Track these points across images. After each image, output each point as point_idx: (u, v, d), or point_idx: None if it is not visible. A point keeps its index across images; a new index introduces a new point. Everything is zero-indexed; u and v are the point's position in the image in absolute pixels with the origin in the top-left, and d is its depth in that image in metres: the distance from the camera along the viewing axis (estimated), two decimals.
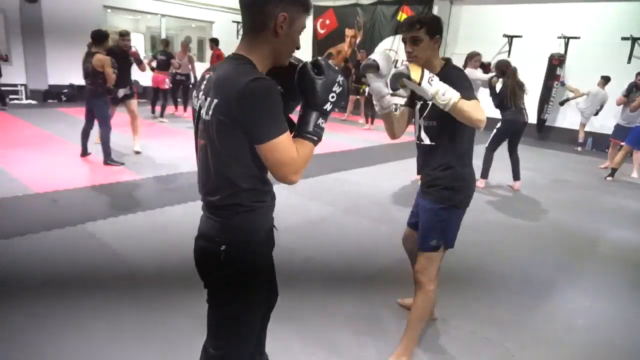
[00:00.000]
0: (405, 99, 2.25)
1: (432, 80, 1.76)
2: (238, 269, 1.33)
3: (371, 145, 8.11)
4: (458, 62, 2.96)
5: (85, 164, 5.44)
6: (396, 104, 2.17)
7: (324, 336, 2.34)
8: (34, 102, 10.20)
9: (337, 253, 3.43)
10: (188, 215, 3.78)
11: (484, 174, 5.56)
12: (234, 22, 13.56)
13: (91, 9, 10.80)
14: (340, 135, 8.72)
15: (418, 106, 2.09)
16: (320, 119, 1.31)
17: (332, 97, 1.31)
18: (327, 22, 14.15)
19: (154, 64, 8.87)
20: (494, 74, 5.54)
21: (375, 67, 1.92)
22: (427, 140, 2.07)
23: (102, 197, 4.20)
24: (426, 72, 1.77)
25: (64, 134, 6.84)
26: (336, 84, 1.31)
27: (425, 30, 1.92)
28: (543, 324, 2.65)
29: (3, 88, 8.80)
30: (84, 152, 5.62)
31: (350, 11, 13.42)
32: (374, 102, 2.08)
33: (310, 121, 1.30)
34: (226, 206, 1.31)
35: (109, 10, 11.91)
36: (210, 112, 1.23)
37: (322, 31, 14.39)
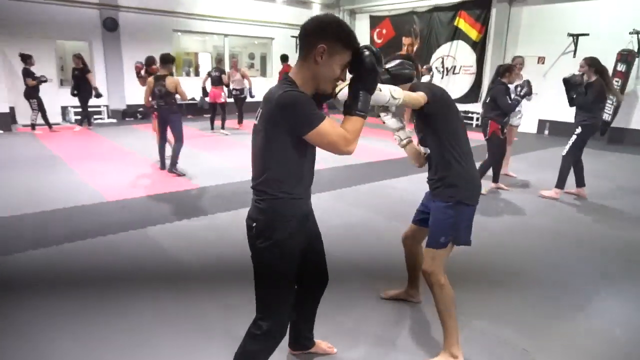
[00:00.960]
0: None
1: (380, 90, 1.82)
2: (264, 244, 1.62)
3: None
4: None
5: (152, 174, 5.99)
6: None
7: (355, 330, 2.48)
8: (114, 120, 11.31)
9: (369, 255, 3.54)
10: (235, 222, 4.09)
11: (560, 184, 5.20)
12: (292, 37, 14.09)
13: (163, 33, 11.80)
14: (389, 142, 8.76)
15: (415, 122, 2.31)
16: (367, 96, 1.56)
17: (378, 80, 1.61)
18: (384, 31, 14.25)
19: (208, 81, 9.54)
20: (580, 72, 5.04)
21: (384, 107, 2.08)
22: (423, 149, 2.29)
23: (163, 204, 4.63)
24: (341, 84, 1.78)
25: (135, 148, 7.57)
26: (382, 70, 1.71)
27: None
28: (576, 331, 2.59)
29: (89, 109, 9.88)
30: (162, 166, 6.17)
31: (406, 19, 13.43)
32: (395, 138, 2.29)
33: (362, 100, 1.54)
34: (258, 191, 1.63)
35: (178, 34, 12.93)
36: (258, 120, 1.60)
37: (379, 41, 14.50)
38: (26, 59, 8.76)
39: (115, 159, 6.81)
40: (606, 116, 8.83)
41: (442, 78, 12.67)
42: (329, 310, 2.53)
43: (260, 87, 13.06)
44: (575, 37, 9.91)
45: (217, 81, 9.50)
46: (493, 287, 3.07)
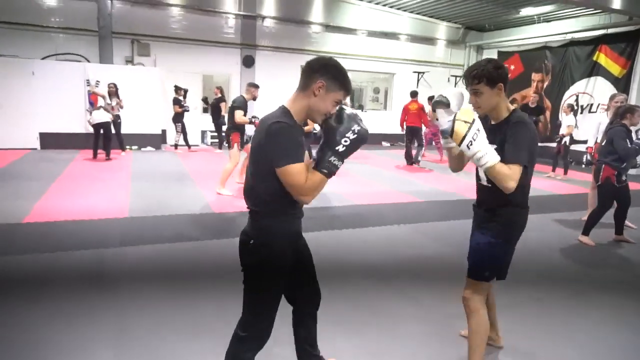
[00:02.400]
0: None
1: (472, 143, 1.89)
2: (259, 258, 1.77)
3: (538, 193, 7.45)
4: None
5: None
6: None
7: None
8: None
9: (429, 289, 3.46)
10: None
11: None
12: (414, 72, 14.26)
13: (292, 69, 12.90)
14: None
15: None
16: (333, 157, 1.66)
17: (345, 141, 1.66)
18: (512, 67, 13.60)
19: None
20: None
21: (446, 104, 2.13)
22: (485, 182, 2.17)
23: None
24: (470, 133, 1.88)
25: None
26: (350, 132, 1.66)
27: (485, 82, 2.03)
28: None
29: (223, 134, 11.29)
30: None
31: (537, 55, 12.68)
32: (441, 138, 2.26)
33: (324, 158, 1.67)
34: (254, 211, 1.80)
35: None
36: (253, 143, 1.77)
37: None
38: (177, 90, 10.42)
39: (233, 178, 7.63)
40: None
41: (575, 116, 11.54)
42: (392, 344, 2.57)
43: (382, 120, 13.55)
44: None
45: None
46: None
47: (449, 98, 2.10)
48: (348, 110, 1.71)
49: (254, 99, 6.52)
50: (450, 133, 1.91)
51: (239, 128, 6.36)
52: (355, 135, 1.66)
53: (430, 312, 3.09)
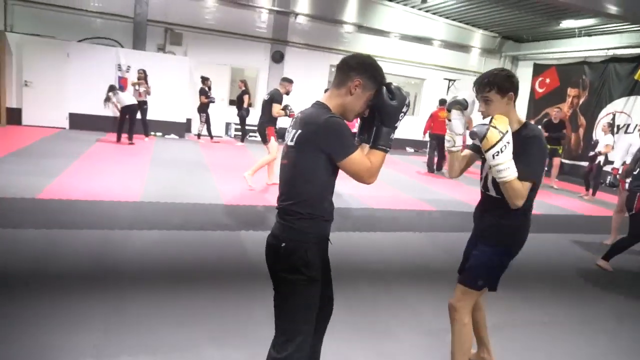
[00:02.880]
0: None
1: (498, 154, 1.84)
2: (293, 263, 1.64)
3: (561, 212, 7.16)
4: None
5: (269, 187, 6.56)
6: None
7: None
8: None
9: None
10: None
11: None
12: (445, 79, 13.98)
13: (321, 67, 12.92)
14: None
15: None
16: (392, 134, 1.67)
17: (401, 116, 1.68)
18: (547, 80, 13.18)
19: None
20: None
21: (463, 106, 2.07)
22: (492, 192, 2.09)
23: (266, 214, 5.09)
24: (500, 143, 1.82)
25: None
26: (405, 106, 1.67)
27: (495, 91, 1.97)
28: None
29: (247, 127, 11.34)
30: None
31: (575, 70, 12.22)
32: (446, 137, 2.17)
33: (382, 136, 1.66)
34: (291, 212, 1.66)
35: (332, 69, 13.95)
36: (294, 140, 1.63)
37: (540, 90, 13.46)
38: (204, 80, 10.51)
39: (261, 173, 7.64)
40: None
41: (613, 136, 11.07)
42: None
43: (408, 125, 13.31)
44: None
45: None
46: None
47: (467, 100, 2.08)
48: (393, 83, 1.69)
49: (287, 93, 6.49)
50: (481, 137, 1.86)
51: (273, 121, 6.34)
52: (407, 109, 1.68)
53: (425, 323, 2.98)
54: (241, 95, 11.01)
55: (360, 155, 1.61)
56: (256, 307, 2.91)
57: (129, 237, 3.98)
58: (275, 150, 6.26)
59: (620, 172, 5.03)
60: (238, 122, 11.42)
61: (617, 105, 11.08)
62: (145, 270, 3.36)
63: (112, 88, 9.18)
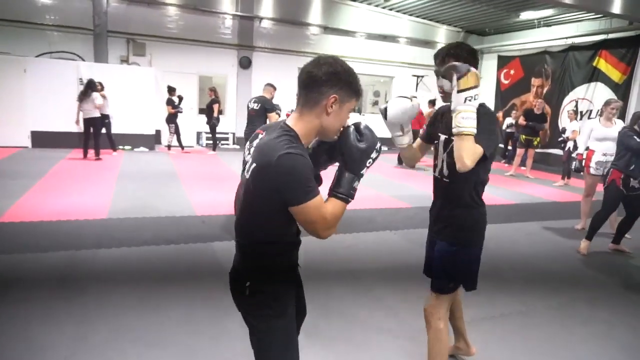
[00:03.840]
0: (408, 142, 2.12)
1: (471, 100, 1.72)
2: (262, 300, 1.45)
3: (533, 201, 7.30)
4: None
5: None
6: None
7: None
8: (237, 147, 12.51)
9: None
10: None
11: None
12: (413, 76, 14.12)
13: (289, 70, 12.78)
14: (501, 189, 8.09)
15: (442, 139, 2.01)
16: (356, 181, 1.43)
17: (369, 162, 1.45)
18: (512, 72, 13.48)
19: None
20: None
21: (383, 114, 2.02)
22: (445, 172, 1.99)
23: (231, 223, 4.97)
24: (475, 89, 1.72)
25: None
26: (374, 151, 1.44)
27: (462, 62, 1.81)
28: None
29: (217, 135, 11.18)
30: None
31: (537, 59, 12.54)
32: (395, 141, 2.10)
33: (345, 183, 1.42)
34: (250, 249, 1.48)
35: None
36: (249, 174, 1.39)
37: (506, 82, 13.76)
38: (170, 90, 10.30)
39: (222, 181, 7.52)
40: None
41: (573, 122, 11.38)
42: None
43: (380, 124, 13.33)
44: None
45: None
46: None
47: (388, 107, 2.00)
48: (362, 123, 1.47)
49: (272, 98, 6.34)
50: (460, 75, 1.71)
51: None
52: (377, 154, 1.45)
53: (404, 324, 2.95)
54: (211, 103, 10.83)
55: (320, 202, 1.35)
56: (229, 320, 2.82)
57: (96, 256, 3.82)
58: None
59: (584, 157, 5.13)
60: (209, 130, 11.23)
61: (579, 92, 11.41)
62: (112, 289, 3.22)
63: (90, 84, 8.61)
